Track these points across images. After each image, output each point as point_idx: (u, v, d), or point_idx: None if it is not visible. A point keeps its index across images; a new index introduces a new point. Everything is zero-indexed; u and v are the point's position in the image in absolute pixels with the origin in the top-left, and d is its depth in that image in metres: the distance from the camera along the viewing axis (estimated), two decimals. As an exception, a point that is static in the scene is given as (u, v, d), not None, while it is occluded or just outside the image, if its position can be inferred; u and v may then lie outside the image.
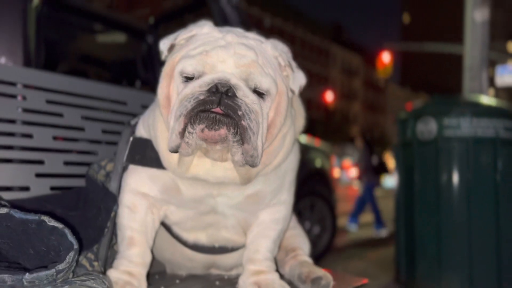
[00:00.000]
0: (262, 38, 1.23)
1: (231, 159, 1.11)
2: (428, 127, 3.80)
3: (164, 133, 1.19)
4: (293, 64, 1.23)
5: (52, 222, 0.94)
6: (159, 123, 1.22)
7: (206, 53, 1.11)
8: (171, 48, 1.23)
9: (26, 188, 1.43)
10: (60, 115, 1.54)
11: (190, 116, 1.04)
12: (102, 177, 1.42)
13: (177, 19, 3.71)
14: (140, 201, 1.28)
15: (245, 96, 1.07)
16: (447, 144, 3.60)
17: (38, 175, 1.46)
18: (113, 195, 1.29)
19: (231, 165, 1.14)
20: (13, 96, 1.44)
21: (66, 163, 1.53)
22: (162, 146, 1.20)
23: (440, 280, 3.54)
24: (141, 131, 1.33)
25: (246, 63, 1.11)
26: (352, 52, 64.98)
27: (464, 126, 3.64)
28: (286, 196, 1.35)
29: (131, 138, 1.32)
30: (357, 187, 10.00)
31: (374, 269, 4.91)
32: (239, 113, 1.04)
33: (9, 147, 1.42)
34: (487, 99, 4.07)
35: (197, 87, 1.07)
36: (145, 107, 1.79)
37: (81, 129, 1.59)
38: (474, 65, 5.97)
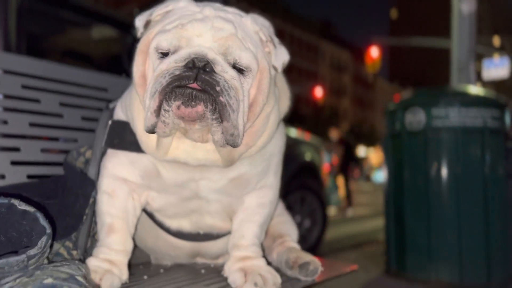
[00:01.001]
0: (242, 13, 1.18)
1: (212, 139, 1.06)
2: (416, 118, 3.79)
3: (141, 113, 1.14)
4: (275, 39, 1.18)
5: (22, 206, 0.89)
6: (136, 103, 1.17)
7: (182, 27, 1.06)
8: (147, 24, 1.17)
9: (2, 176, 1.37)
10: (36, 101, 1.48)
11: (165, 92, 0.99)
12: (81, 164, 1.37)
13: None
14: (120, 186, 1.23)
15: (224, 72, 1.02)
16: (436, 135, 3.59)
17: (14, 163, 1.40)
18: (92, 181, 1.24)
19: (212, 146, 1.10)
20: (-13, 81, 1.38)
21: (44, 151, 1.47)
22: (139, 128, 1.15)
23: (430, 271, 3.53)
24: (119, 114, 1.28)
25: (224, 37, 1.06)
26: (341, 47, 65.09)
27: (453, 116, 3.63)
28: (272, 180, 1.31)
29: (109, 122, 1.27)
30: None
31: (365, 262, 4.89)
32: (217, 88, 0.99)
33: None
34: (475, 89, 4.07)
35: (172, 62, 1.02)
36: (127, 94, 1.74)
37: (59, 115, 1.53)
38: (462, 57, 5.99)
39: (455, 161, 3.50)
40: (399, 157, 3.82)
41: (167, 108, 0.99)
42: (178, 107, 0.99)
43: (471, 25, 5.93)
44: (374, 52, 18.95)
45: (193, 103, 0.98)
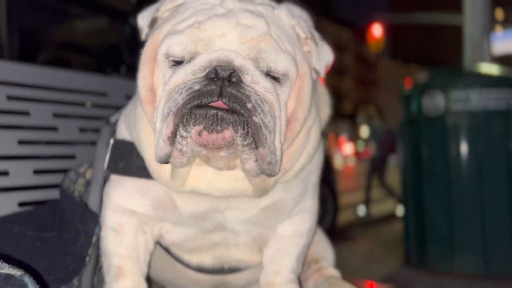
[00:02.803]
0: (273, 3, 0.96)
1: (241, 167, 0.86)
2: (434, 102, 3.59)
3: (149, 136, 0.94)
4: (316, 35, 0.96)
5: (5, 269, 0.69)
6: (142, 124, 0.95)
7: (198, 26, 0.84)
8: (153, 23, 0.95)
9: (-12, 207, 1.17)
10: (25, 113, 1.26)
11: (182, 114, 0.78)
12: (81, 187, 1.17)
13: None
14: (128, 220, 1.02)
15: (255, 83, 0.81)
16: (455, 120, 3.41)
17: (2, 190, 1.19)
18: (94, 214, 1.03)
19: (241, 173, 0.90)
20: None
21: (37, 172, 1.26)
22: (148, 153, 0.94)
23: (453, 262, 3.39)
24: (123, 132, 1.07)
25: (254, 37, 0.84)
26: (342, 27, 64.20)
27: (474, 99, 3.44)
28: (310, 203, 1.11)
29: (111, 141, 1.06)
30: (352, 164, 9.58)
31: (380, 251, 4.74)
32: (249, 105, 0.78)
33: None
34: (495, 68, 3.85)
35: (189, 74, 0.81)
36: (130, 97, 1.53)
37: (53, 128, 1.32)
38: (475, 34, 5.71)
39: (477, 147, 3.33)
40: (417, 144, 3.65)
41: (184, 134, 0.78)
42: (199, 133, 0.78)
43: (485, -1, 5.65)
44: (376, 30, 18.58)
45: (218, 128, 0.77)
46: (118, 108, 1.42)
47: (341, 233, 5.55)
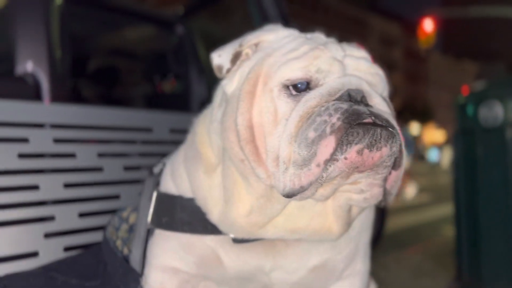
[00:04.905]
0: None
1: (344, 198, 0.84)
2: (492, 113, 3.40)
3: (239, 185, 0.88)
4: None
5: None
6: (232, 175, 0.88)
7: (320, 50, 0.83)
8: (236, 58, 0.91)
9: (34, 254, 1.17)
10: (71, 155, 1.27)
11: (342, 133, 0.73)
12: (124, 233, 1.15)
13: (208, 9, 3.50)
14: (170, 279, 0.99)
15: (380, 105, 0.81)
16: (516, 131, 3.20)
17: (48, 235, 1.20)
18: (135, 273, 1.00)
19: (320, 207, 0.86)
20: (12, 140, 1.17)
21: (82, 215, 1.26)
22: (239, 207, 0.88)
23: (511, 283, 3.19)
24: (169, 184, 1.03)
25: (367, 66, 0.87)
26: (390, 20, 62.45)
27: (537, 109, 3.21)
28: (361, 265, 1.04)
29: (154, 193, 1.03)
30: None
31: (430, 263, 4.54)
32: (394, 124, 0.78)
33: (9, 206, 1.15)
34: (561, 76, 3.57)
35: (325, 95, 0.78)
36: (174, 131, 1.51)
37: (98, 169, 1.32)
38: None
39: (540, 161, 3.10)
40: (472, 157, 3.45)
41: (337, 156, 0.74)
42: (360, 152, 0.74)
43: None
44: (427, 25, 17.86)
45: (379, 145, 0.75)
46: (163, 143, 1.41)
47: (389, 239, 5.37)
